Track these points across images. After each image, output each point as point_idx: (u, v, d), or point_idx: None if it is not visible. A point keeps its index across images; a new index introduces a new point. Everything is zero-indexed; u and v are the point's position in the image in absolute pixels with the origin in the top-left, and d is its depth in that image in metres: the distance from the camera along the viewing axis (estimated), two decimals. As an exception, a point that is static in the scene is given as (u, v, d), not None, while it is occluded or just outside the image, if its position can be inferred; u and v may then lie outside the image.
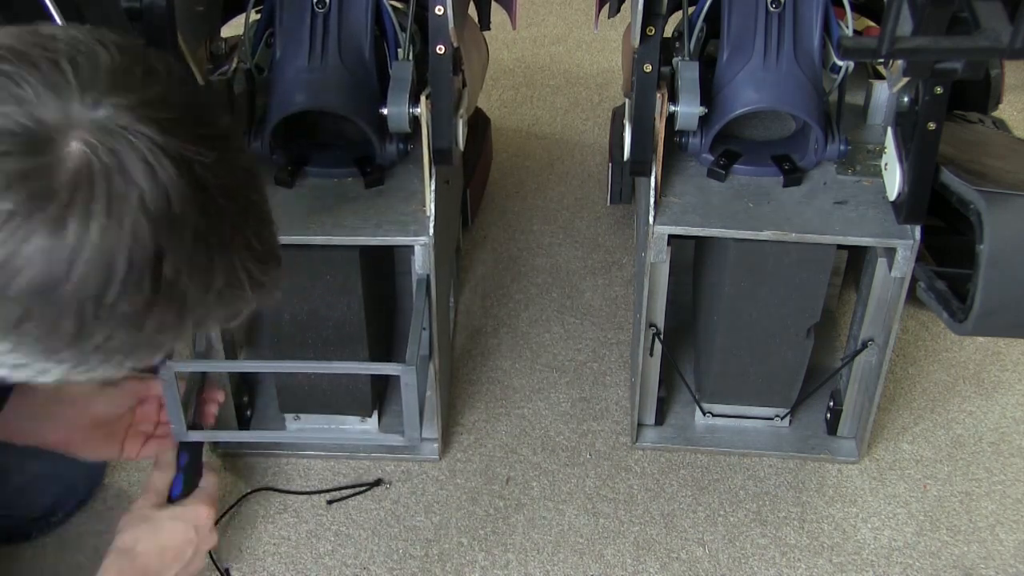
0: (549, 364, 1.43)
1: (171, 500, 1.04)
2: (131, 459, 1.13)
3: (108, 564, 0.97)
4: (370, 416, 1.30)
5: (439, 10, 1.02)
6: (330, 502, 1.25)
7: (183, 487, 1.05)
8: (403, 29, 1.14)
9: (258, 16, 1.19)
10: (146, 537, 0.99)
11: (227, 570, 1.19)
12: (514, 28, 1.32)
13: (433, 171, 1.10)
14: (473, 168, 1.56)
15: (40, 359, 0.62)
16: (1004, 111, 1.33)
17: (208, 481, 1.07)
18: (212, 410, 1.14)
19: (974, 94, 1.29)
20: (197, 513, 1.03)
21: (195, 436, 1.08)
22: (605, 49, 2.04)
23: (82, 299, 0.59)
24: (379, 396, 1.32)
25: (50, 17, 0.93)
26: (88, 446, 1.09)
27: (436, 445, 1.29)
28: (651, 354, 1.23)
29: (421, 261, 1.12)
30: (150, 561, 0.98)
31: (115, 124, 0.59)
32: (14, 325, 0.59)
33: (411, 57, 1.13)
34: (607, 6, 1.24)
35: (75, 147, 0.58)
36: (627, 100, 1.17)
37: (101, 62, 0.61)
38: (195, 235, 0.62)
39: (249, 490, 1.26)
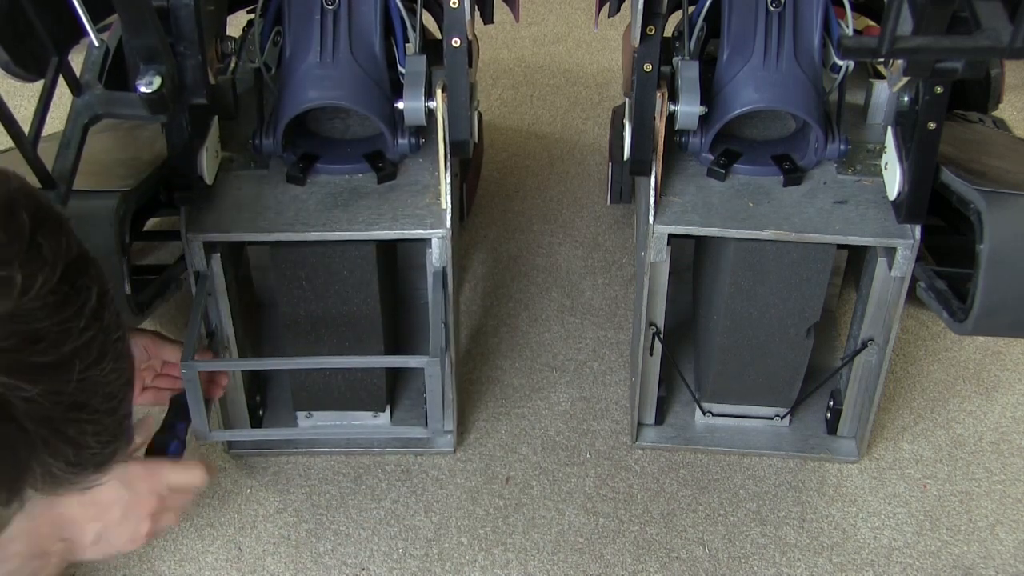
0: (549, 364, 1.43)
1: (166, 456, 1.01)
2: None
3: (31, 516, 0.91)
4: (383, 411, 1.30)
5: (454, 3, 1.02)
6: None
7: (181, 453, 1.02)
8: (411, 24, 1.14)
9: (251, 15, 1.20)
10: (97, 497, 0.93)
11: None
12: (517, 21, 1.32)
13: (448, 164, 1.10)
14: (467, 164, 1.56)
15: None
16: (1004, 111, 1.33)
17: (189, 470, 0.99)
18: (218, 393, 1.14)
19: (974, 94, 1.29)
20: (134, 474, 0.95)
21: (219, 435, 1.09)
22: (605, 49, 2.04)
23: None
24: (390, 391, 1.32)
25: (78, 19, 0.94)
26: None
27: (451, 437, 1.29)
28: (651, 353, 1.23)
29: (438, 254, 1.13)
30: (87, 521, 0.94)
31: None
32: None
33: (420, 50, 1.13)
34: (607, 5, 1.23)
35: None
36: (627, 100, 1.17)
37: None
38: None
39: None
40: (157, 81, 0.93)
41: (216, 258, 1.12)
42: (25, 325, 0.57)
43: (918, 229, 1.08)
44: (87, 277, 0.63)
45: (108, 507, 0.93)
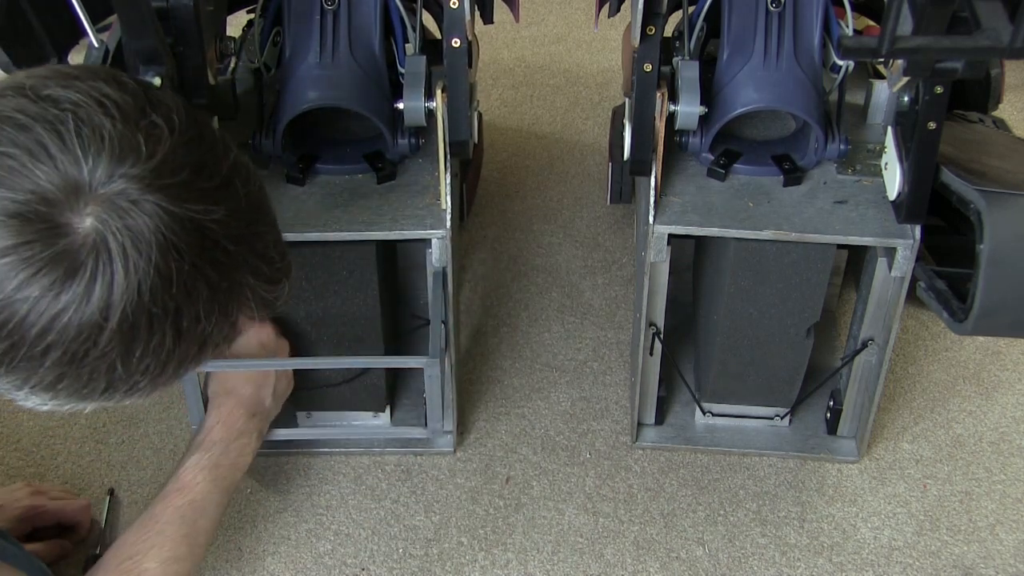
0: (549, 364, 1.43)
1: None
2: None
3: (214, 406, 1.09)
4: (383, 411, 1.30)
5: (454, 3, 1.02)
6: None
7: None
8: (411, 24, 1.14)
9: (251, 15, 1.20)
10: (232, 374, 1.11)
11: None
12: (517, 21, 1.32)
13: (448, 165, 1.10)
14: (467, 164, 1.56)
15: (76, 403, 0.70)
16: (1004, 111, 1.33)
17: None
18: None
19: (974, 93, 1.29)
20: (259, 333, 1.13)
21: None
22: (605, 49, 2.04)
23: (110, 363, 0.66)
24: (390, 391, 1.32)
25: (78, 20, 0.94)
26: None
27: (451, 437, 1.29)
28: (651, 353, 1.23)
29: (438, 254, 1.13)
30: (246, 389, 1.10)
31: (125, 200, 0.64)
32: (52, 385, 0.67)
33: (420, 50, 1.13)
34: (607, 5, 1.23)
35: (89, 225, 0.63)
36: (627, 100, 1.17)
37: (105, 131, 0.64)
38: (209, 287, 0.67)
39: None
40: (156, 82, 0.93)
41: (216, 258, 1.12)
42: (187, 158, 0.67)
43: (918, 229, 1.08)
44: (202, 116, 0.73)
45: (265, 372, 1.13)
